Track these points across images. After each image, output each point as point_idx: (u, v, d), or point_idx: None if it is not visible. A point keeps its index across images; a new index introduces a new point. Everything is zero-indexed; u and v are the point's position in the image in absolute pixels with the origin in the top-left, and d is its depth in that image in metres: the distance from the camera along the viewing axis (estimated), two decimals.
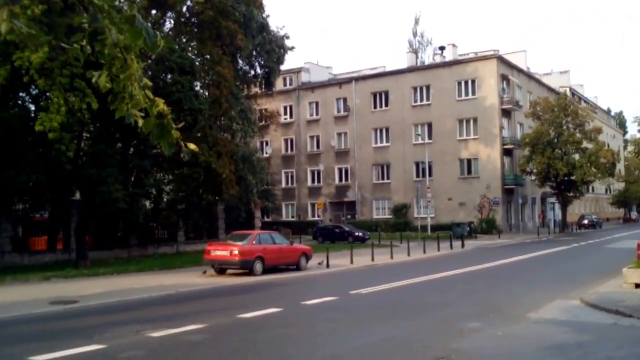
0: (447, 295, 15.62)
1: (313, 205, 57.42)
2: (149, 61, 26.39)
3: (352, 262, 25.08)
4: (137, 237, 31.49)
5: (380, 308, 13.51)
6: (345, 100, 57.54)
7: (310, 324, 11.66)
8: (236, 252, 20.56)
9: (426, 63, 65.59)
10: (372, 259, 26.31)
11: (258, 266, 20.89)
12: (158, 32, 3.36)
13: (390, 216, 53.89)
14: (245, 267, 20.76)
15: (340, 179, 57.92)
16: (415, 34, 77.57)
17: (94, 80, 3.81)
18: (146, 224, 32.09)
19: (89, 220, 27.15)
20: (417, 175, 52.61)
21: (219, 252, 21.17)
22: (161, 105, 3.47)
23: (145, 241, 32.10)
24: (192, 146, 3.94)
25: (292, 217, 59.45)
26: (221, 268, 21.46)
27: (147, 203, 31.76)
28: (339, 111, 57.98)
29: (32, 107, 25.33)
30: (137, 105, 3.55)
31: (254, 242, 21.55)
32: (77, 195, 27.63)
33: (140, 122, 3.55)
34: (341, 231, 43.24)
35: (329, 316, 12.40)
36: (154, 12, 29.07)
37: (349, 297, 15.35)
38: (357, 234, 42.22)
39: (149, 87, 3.76)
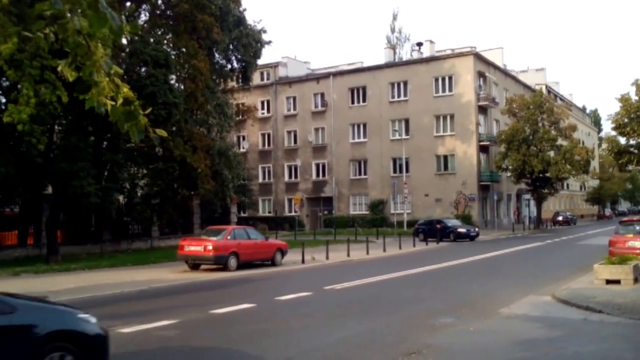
0: (421, 290, 15.66)
1: (290, 200, 57.21)
2: (123, 54, 26.03)
3: (327, 257, 25.07)
4: (111, 232, 31.12)
5: (354, 303, 13.50)
6: (322, 95, 57.41)
7: (284, 319, 11.60)
8: (210, 247, 20.43)
9: (404, 59, 65.84)
10: (348, 255, 26.35)
11: (232, 261, 20.79)
12: (124, 19, 3.27)
13: (367, 212, 53.95)
14: (220, 262, 20.65)
15: (318, 175, 57.81)
16: (393, 30, 77.99)
17: (59, 68, 3.69)
18: (120, 218, 31.73)
19: (60, 214, 26.76)
20: (394, 171, 52.72)
21: (192, 247, 21.02)
22: (126, 90, 3.39)
23: (119, 236, 31.74)
24: (160, 132, 3.86)
25: (269, 212, 59.27)
26: (195, 263, 21.33)
27: (121, 198, 31.39)
28: (316, 106, 57.83)
29: (3, 100, 24.86)
30: (102, 92, 3.47)
31: (228, 237, 21.41)
32: (49, 190, 27.19)
33: None
34: (442, 227, 37.09)
35: (303, 312, 12.39)
36: (128, 4, 28.70)
37: (324, 292, 15.34)
38: (460, 230, 36.88)
39: (118, 75, 3.66)
